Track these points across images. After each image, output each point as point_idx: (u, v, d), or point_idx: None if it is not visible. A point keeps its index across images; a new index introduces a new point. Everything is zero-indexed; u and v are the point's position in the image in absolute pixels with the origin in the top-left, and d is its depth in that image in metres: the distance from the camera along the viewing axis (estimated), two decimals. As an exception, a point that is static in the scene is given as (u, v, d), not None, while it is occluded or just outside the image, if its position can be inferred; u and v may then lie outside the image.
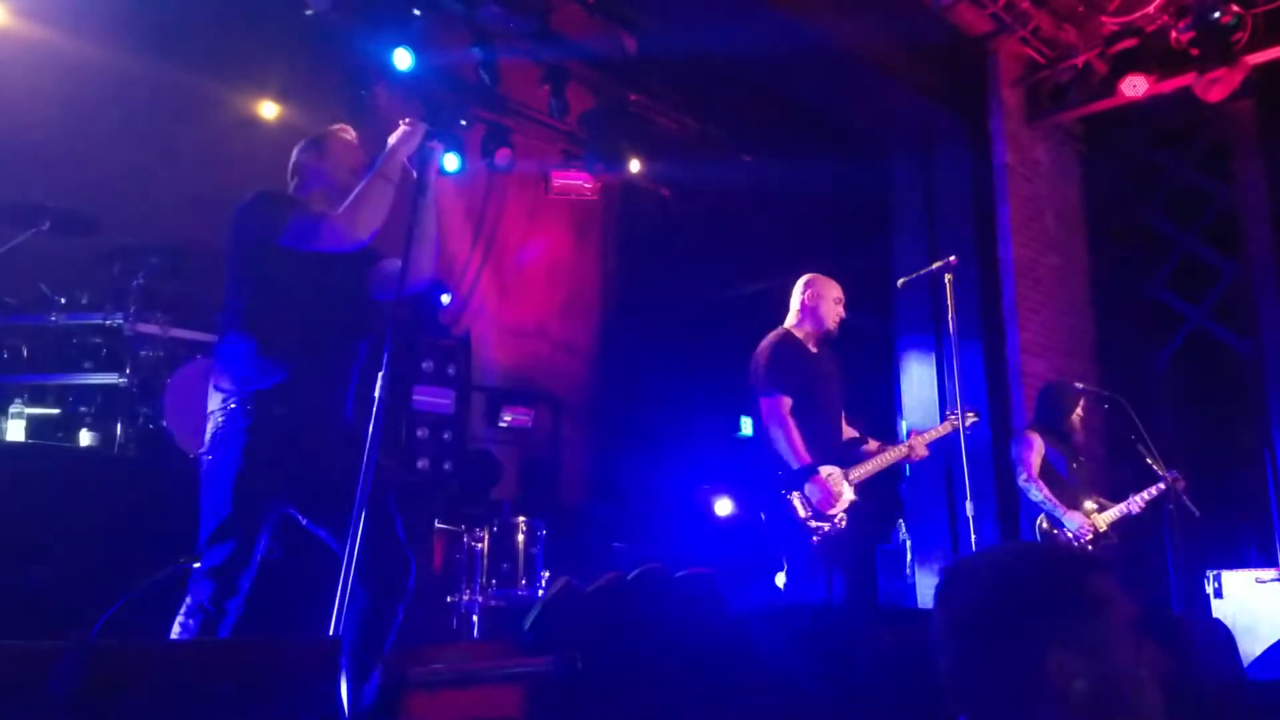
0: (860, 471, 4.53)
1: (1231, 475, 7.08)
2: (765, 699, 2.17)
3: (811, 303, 4.72)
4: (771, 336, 4.70)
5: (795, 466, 4.35)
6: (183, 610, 2.94)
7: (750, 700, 1.97)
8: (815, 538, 4.33)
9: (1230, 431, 7.31)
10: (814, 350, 4.69)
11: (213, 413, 3.12)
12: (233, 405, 3.08)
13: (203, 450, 3.12)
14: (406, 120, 3.41)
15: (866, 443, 4.77)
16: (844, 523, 4.38)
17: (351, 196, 3.26)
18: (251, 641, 1.98)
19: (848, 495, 4.43)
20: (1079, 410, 5.71)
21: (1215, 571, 5.63)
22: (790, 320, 4.77)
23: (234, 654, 1.80)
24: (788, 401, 4.45)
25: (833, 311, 4.70)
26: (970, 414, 4.80)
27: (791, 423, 4.41)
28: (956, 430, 4.68)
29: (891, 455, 4.68)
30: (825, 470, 4.39)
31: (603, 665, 1.97)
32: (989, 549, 1.57)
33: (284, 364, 3.12)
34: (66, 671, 1.61)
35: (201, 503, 3.07)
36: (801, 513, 4.32)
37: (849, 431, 4.80)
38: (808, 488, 4.32)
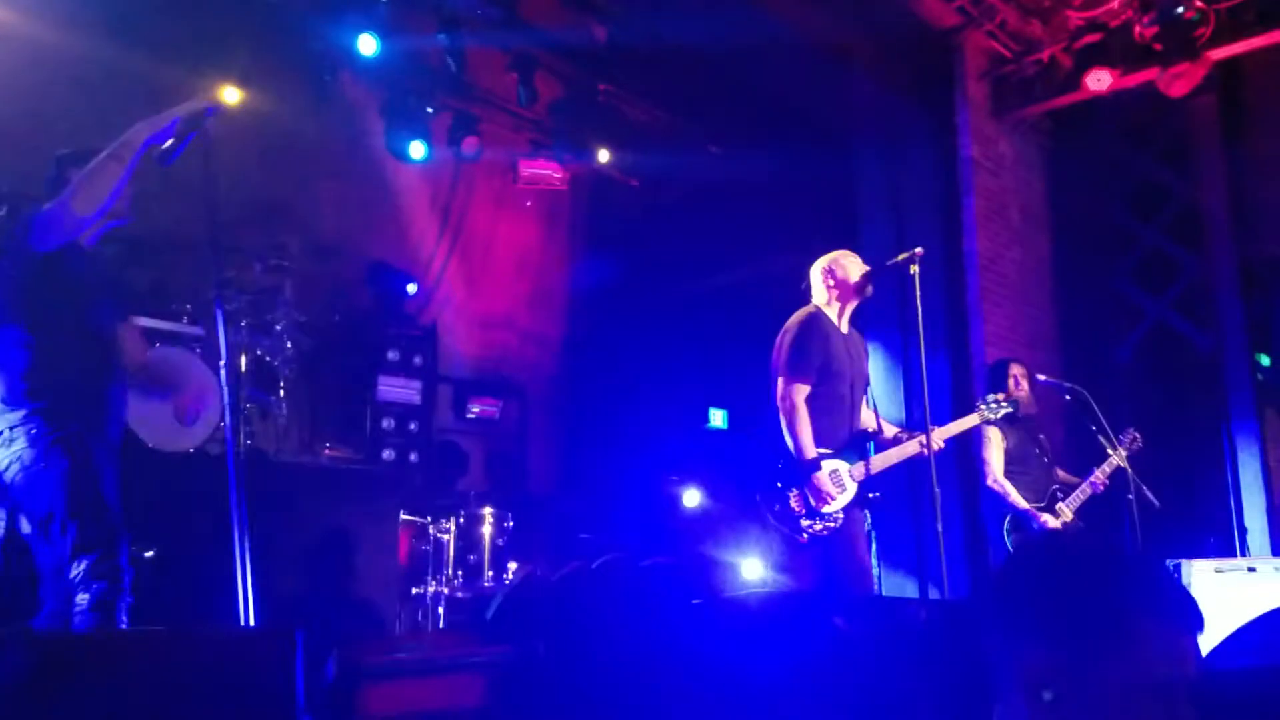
0: (875, 464, 4.38)
1: (1191, 467, 7.16)
2: (729, 690, 2.16)
3: (840, 275, 4.53)
4: (800, 314, 4.50)
5: (799, 459, 4.22)
6: (82, 608, 3.11)
7: (713, 691, 1.96)
8: (803, 536, 4.22)
9: (1190, 423, 7.39)
10: (845, 330, 4.53)
11: (13, 430, 3.26)
12: (33, 421, 3.26)
13: (24, 467, 3.24)
14: (170, 112, 3.51)
15: (881, 432, 4.57)
16: (839, 521, 4.26)
17: (79, 176, 3.38)
18: (206, 631, 1.95)
19: (848, 493, 4.29)
20: (1011, 380, 5.62)
21: (1176, 562, 5.69)
22: (819, 298, 4.57)
23: (187, 643, 1.77)
24: (804, 389, 4.30)
25: (863, 280, 4.51)
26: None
27: (804, 412, 4.26)
28: (986, 422, 4.80)
29: (909, 448, 4.48)
30: (828, 467, 4.26)
31: (565, 654, 1.95)
32: (1070, 538, 1.55)
33: (69, 381, 3.35)
34: (11, 660, 1.58)
35: (53, 514, 3.21)
36: (796, 508, 4.22)
37: (868, 418, 4.61)
38: (807, 484, 4.21)
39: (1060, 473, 5.63)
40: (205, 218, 3.29)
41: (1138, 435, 5.44)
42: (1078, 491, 5.45)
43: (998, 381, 5.71)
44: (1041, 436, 5.67)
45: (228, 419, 3.24)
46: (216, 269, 3.28)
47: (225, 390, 3.18)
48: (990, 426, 5.47)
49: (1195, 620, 1.36)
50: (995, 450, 5.50)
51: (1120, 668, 1.30)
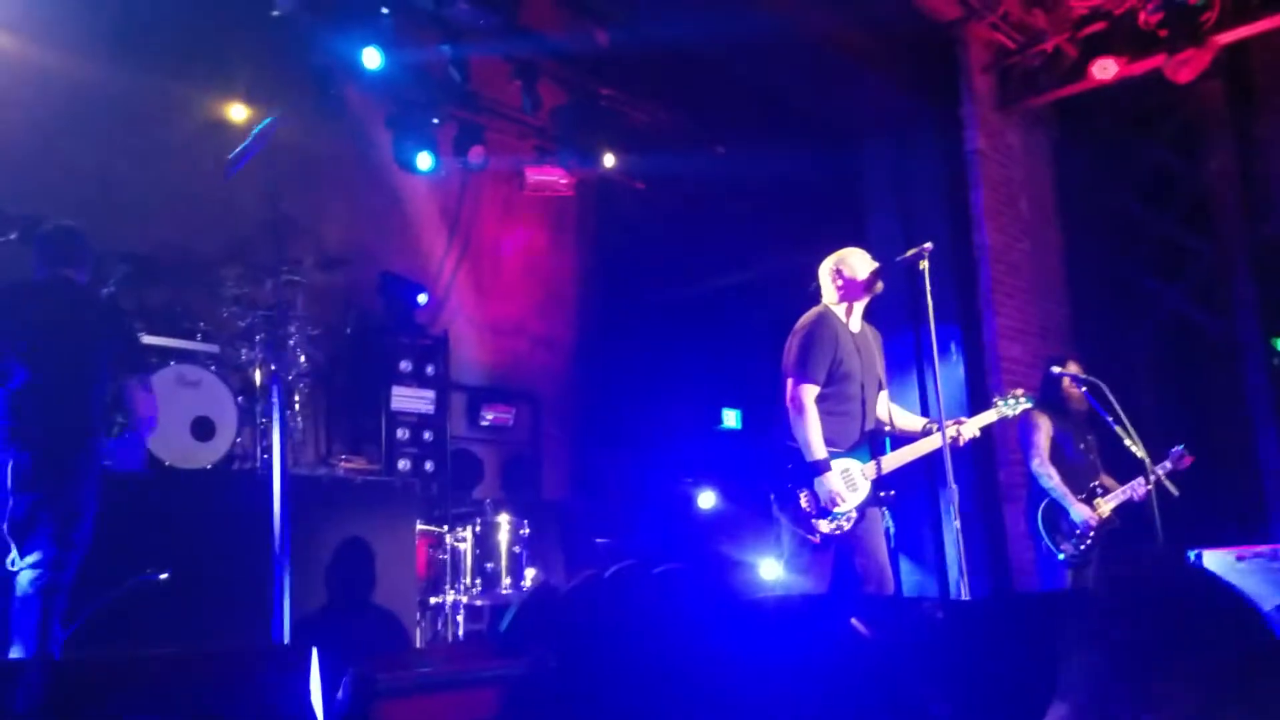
0: (887, 463, 4.36)
1: (1210, 455, 7.09)
2: (746, 694, 2.15)
3: (848, 274, 4.49)
4: (811, 314, 4.49)
5: (808, 459, 4.21)
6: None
7: (729, 697, 1.95)
8: (814, 536, 4.19)
9: (1208, 411, 7.33)
10: (856, 328, 4.51)
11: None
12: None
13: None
14: None
15: (894, 425, 4.55)
16: (853, 520, 4.24)
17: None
18: (221, 650, 1.96)
19: (861, 492, 4.27)
20: (1066, 380, 5.64)
21: (1196, 550, 5.65)
22: (829, 298, 4.55)
23: (201, 663, 1.77)
24: (813, 390, 4.29)
25: (872, 278, 4.47)
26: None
27: (814, 413, 4.25)
28: (1003, 418, 4.74)
29: (924, 445, 4.44)
30: (840, 466, 4.25)
31: (579, 665, 1.95)
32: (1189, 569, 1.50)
33: None
34: (30, 688, 1.58)
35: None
36: (807, 508, 4.19)
37: (885, 415, 4.58)
38: (816, 484, 4.19)
39: (1105, 477, 5.62)
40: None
41: (1186, 453, 5.41)
42: (1117, 493, 5.46)
43: (1054, 378, 5.67)
44: (1090, 436, 5.66)
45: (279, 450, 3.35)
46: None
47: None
48: (1038, 413, 5.51)
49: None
50: (1043, 436, 5.53)
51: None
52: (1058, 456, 5.52)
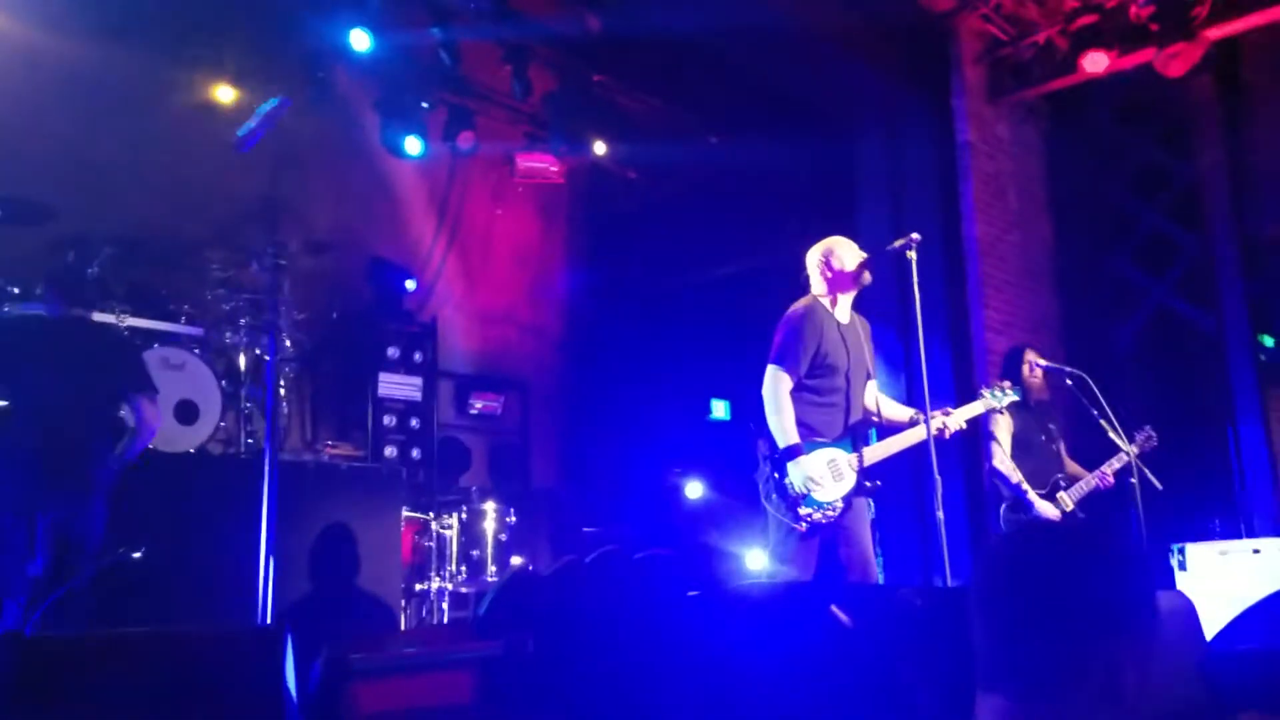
0: (870, 454, 4.34)
1: (1195, 449, 7.12)
2: (726, 680, 2.15)
3: (837, 265, 4.46)
4: (797, 305, 4.47)
5: (780, 446, 4.20)
6: None
7: (707, 683, 1.95)
8: (800, 524, 4.17)
9: (1193, 406, 7.35)
10: (844, 319, 4.49)
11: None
12: None
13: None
14: None
15: (881, 415, 4.53)
16: (838, 510, 4.22)
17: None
18: (193, 631, 1.95)
19: (846, 482, 4.25)
20: (1026, 366, 5.54)
21: (1179, 545, 5.66)
22: (817, 289, 4.52)
23: (175, 644, 1.76)
24: (788, 379, 4.28)
25: (860, 269, 4.44)
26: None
27: (787, 400, 4.25)
28: (990, 410, 4.73)
29: (909, 437, 4.42)
30: (826, 455, 4.24)
31: (558, 649, 1.94)
32: (1056, 526, 1.57)
33: None
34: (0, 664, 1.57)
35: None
36: (791, 495, 4.17)
37: (873, 405, 4.56)
38: (790, 469, 4.15)
39: (1070, 464, 5.57)
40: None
41: (1153, 434, 5.37)
42: (1081, 483, 5.38)
43: (1013, 368, 5.61)
44: (1052, 426, 5.60)
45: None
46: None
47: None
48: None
49: (1153, 593, 1.37)
50: (1002, 433, 5.45)
51: (1096, 650, 1.30)
52: (1020, 450, 5.42)
